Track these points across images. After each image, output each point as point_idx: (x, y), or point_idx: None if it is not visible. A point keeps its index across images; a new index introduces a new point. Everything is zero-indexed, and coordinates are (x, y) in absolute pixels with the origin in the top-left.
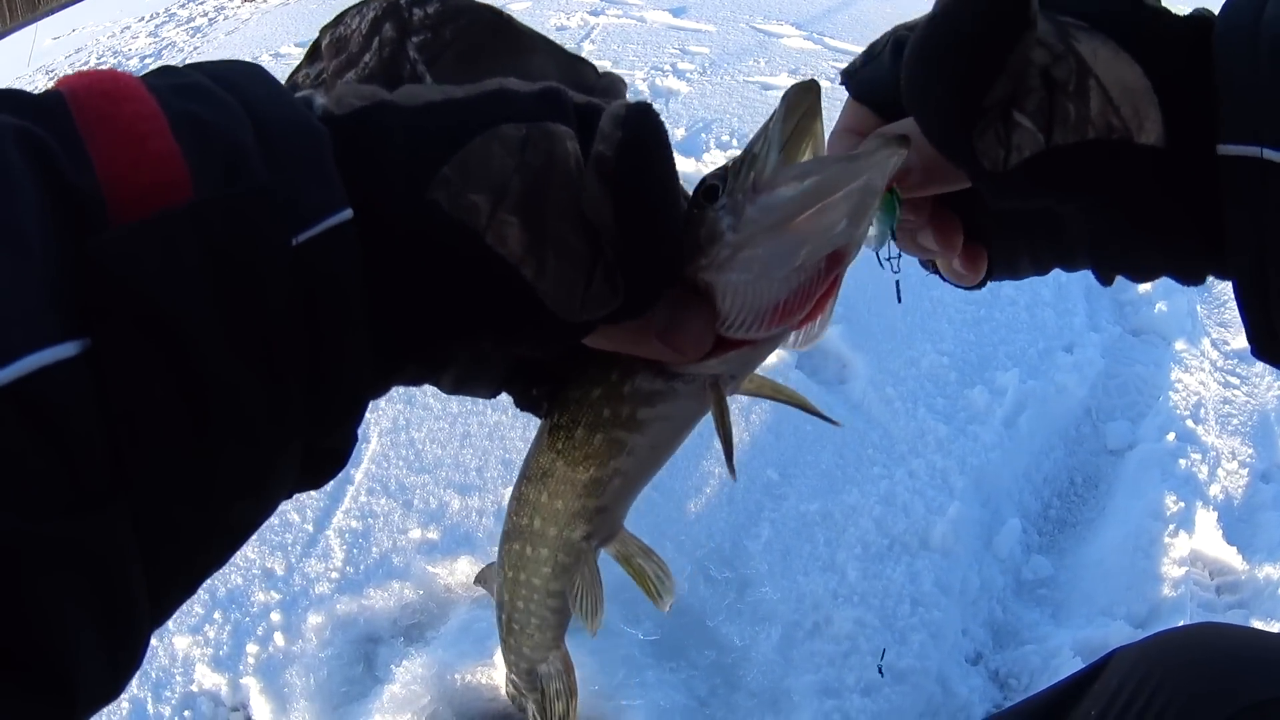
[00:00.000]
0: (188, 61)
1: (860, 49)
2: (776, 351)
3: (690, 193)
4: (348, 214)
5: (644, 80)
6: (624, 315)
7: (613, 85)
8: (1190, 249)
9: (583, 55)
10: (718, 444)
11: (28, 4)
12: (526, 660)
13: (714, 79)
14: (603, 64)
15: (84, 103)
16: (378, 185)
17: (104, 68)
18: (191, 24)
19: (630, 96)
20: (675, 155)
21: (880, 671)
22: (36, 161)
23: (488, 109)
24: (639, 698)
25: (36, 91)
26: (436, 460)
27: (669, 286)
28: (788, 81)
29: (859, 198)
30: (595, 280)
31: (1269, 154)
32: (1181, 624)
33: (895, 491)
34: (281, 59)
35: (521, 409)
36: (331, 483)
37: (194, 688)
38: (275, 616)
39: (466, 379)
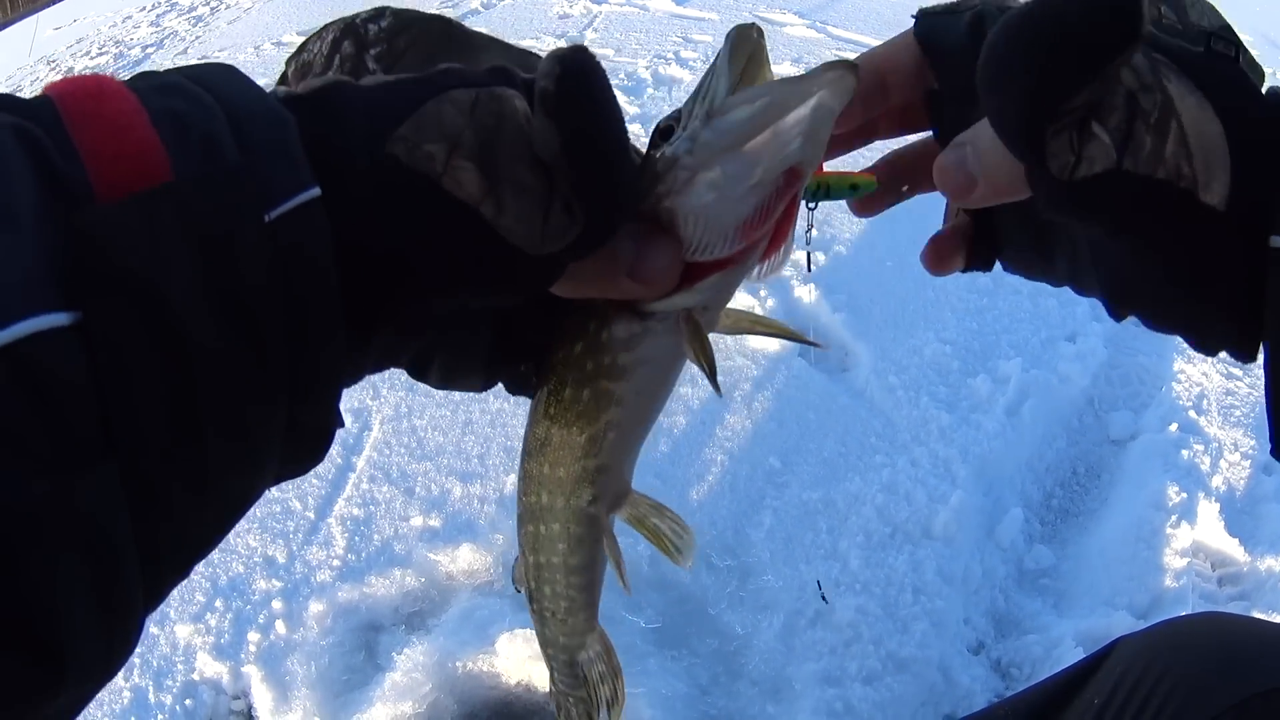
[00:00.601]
0: (190, 50)
1: (863, 38)
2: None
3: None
4: (315, 192)
5: (647, 68)
6: (586, 243)
7: None
8: (1214, 321)
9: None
10: (720, 429)
11: None
12: (565, 650)
13: None
14: (604, 52)
15: (70, 103)
16: (340, 151)
17: (96, 70)
18: (193, 13)
19: (632, 82)
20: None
21: (824, 599)
22: (29, 151)
23: (440, 80)
24: (641, 685)
25: (28, 95)
26: (438, 447)
27: (627, 210)
28: (790, 70)
29: (812, 117)
30: (554, 212)
31: None
32: (1184, 614)
33: (898, 480)
34: (284, 47)
35: (514, 393)
36: (333, 470)
37: (195, 676)
38: (276, 604)
39: (452, 369)
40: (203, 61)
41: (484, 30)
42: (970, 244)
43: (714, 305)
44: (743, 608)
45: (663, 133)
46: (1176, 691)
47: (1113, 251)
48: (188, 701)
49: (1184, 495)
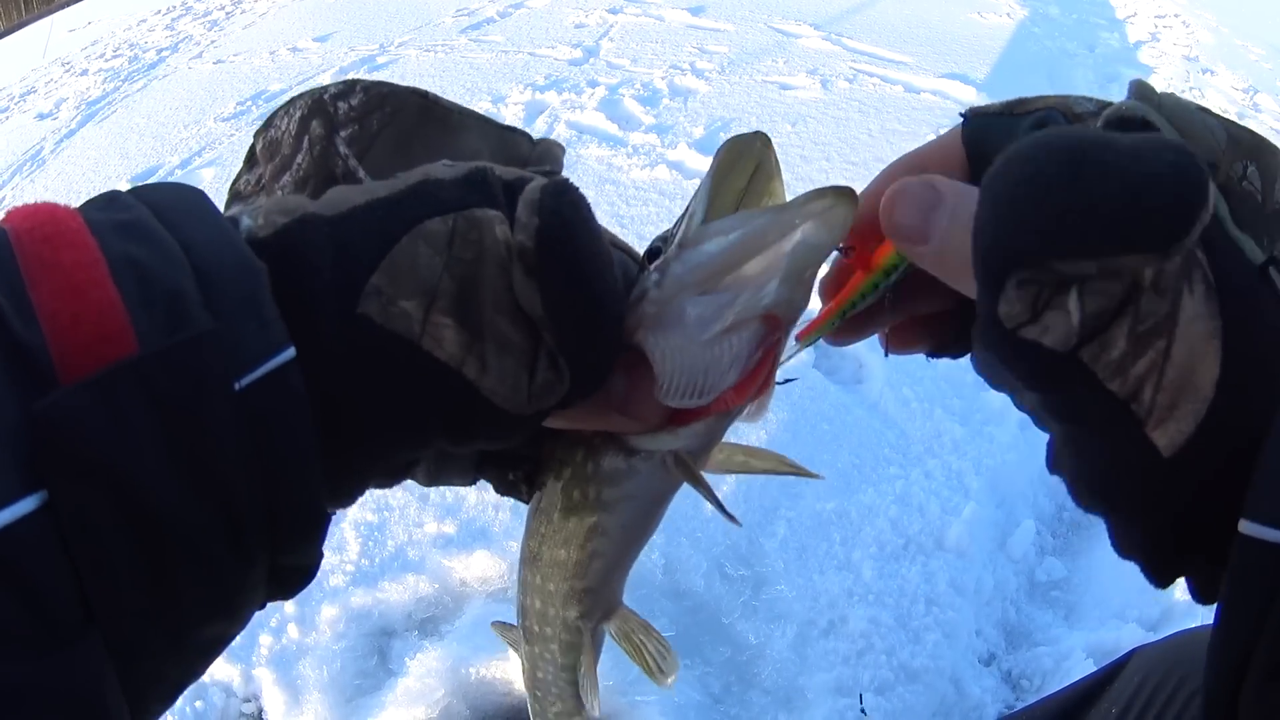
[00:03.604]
0: (205, 55)
1: (878, 50)
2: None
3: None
4: (289, 354)
5: (663, 79)
6: (574, 398)
7: (548, 152)
8: (1126, 535)
9: (516, 127)
10: (735, 441)
11: None
12: None
13: (732, 78)
14: (620, 62)
15: (27, 248)
16: (309, 309)
17: (45, 203)
18: (208, 17)
19: (648, 93)
20: (691, 155)
21: (863, 712)
22: None
23: (411, 205)
24: (653, 694)
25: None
26: None
27: (614, 361)
28: (806, 81)
29: (791, 256)
30: (539, 370)
31: None
32: (1200, 625)
33: (911, 492)
34: (298, 53)
35: (501, 494)
36: None
37: (206, 678)
38: (289, 608)
39: (439, 472)
40: (169, 183)
41: (498, 37)
42: (940, 332)
43: (699, 451)
44: (756, 617)
45: (650, 255)
46: (1194, 700)
47: (1042, 417)
48: (198, 703)
49: None
